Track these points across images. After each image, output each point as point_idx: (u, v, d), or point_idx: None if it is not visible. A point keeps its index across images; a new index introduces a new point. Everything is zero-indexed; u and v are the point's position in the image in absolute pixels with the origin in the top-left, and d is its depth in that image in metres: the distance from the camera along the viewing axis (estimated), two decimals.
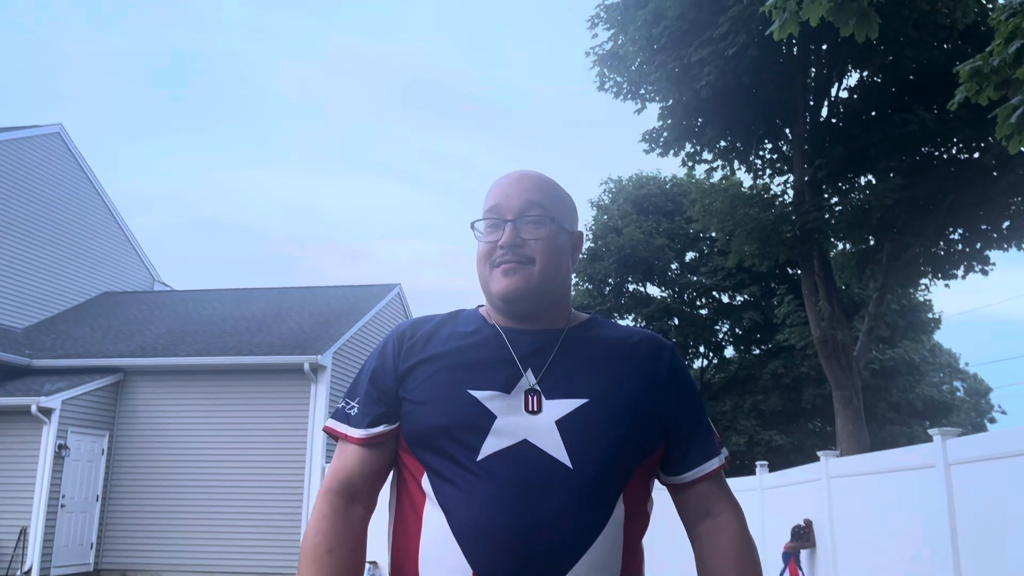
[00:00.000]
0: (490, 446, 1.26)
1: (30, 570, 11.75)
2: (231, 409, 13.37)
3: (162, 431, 13.42)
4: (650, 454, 1.36)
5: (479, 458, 1.26)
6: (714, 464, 1.41)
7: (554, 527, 1.22)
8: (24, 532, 11.93)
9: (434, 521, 1.27)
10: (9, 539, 11.94)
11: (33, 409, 12.05)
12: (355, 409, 1.40)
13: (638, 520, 1.34)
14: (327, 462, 12.88)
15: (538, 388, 1.32)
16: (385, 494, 1.40)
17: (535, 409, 1.29)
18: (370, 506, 1.39)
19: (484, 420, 1.28)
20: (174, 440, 13.34)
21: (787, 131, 14.36)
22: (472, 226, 1.43)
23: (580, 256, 1.41)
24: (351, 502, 1.36)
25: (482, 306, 1.47)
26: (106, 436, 13.39)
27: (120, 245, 18.42)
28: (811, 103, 13.98)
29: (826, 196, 13.73)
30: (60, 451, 12.32)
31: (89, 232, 17.38)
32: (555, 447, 1.27)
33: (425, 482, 1.30)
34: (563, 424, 1.28)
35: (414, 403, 1.34)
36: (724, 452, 1.44)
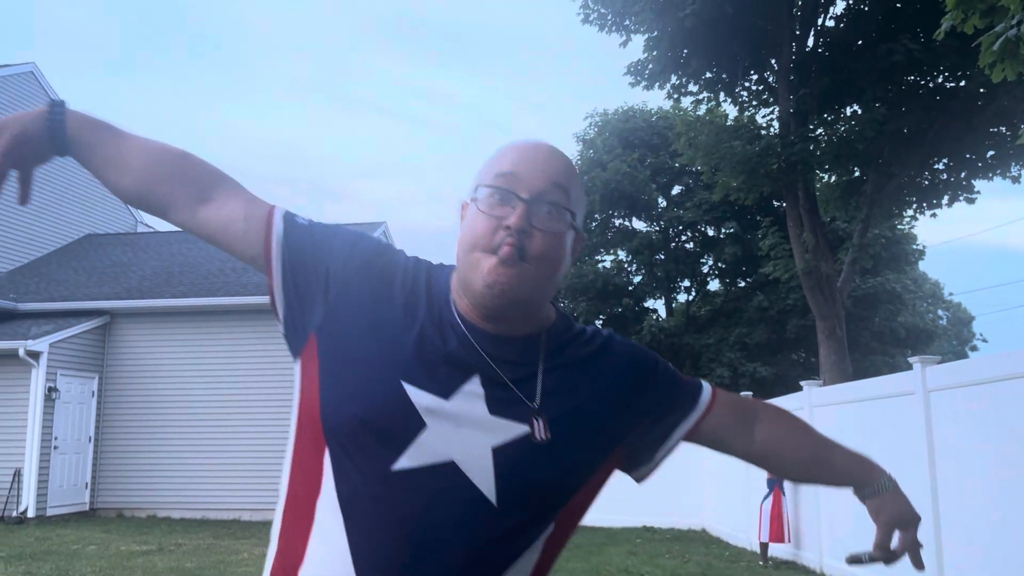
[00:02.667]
0: (409, 459, 1.05)
1: (26, 511, 11.91)
2: (219, 349, 13.42)
3: (152, 372, 13.48)
4: (602, 467, 1.17)
5: (394, 468, 1.05)
6: (707, 395, 1.26)
7: (461, 566, 1.05)
8: (18, 474, 12.06)
9: (329, 519, 1.07)
10: (3, 481, 12.07)
11: (21, 352, 12.05)
12: (302, 223, 1.20)
13: (565, 535, 1.16)
14: None
15: (540, 412, 1.10)
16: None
17: (544, 437, 1.09)
18: (193, 214, 1.19)
19: (412, 426, 1.06)
20: (164, 381, 13.41)
21: (773, 61, 14.22)
22: (476, 189, 1.13)
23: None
24: (202, 197, 1.19)
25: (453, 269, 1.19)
26: (96, 378, 13.44)
27: (101, 186, 18.16)
28: (797, 32, 13.81)
29: (811, 127, 13.68)
30: (50, 394, 12.37)
31: (69, 173, 17.11)
32: (484, 478, 1.06)
33: (327, 462, 1.08)
34: (499, 452, 1.07)
35: (330, 364, 1.11)
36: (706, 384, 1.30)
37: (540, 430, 1.08)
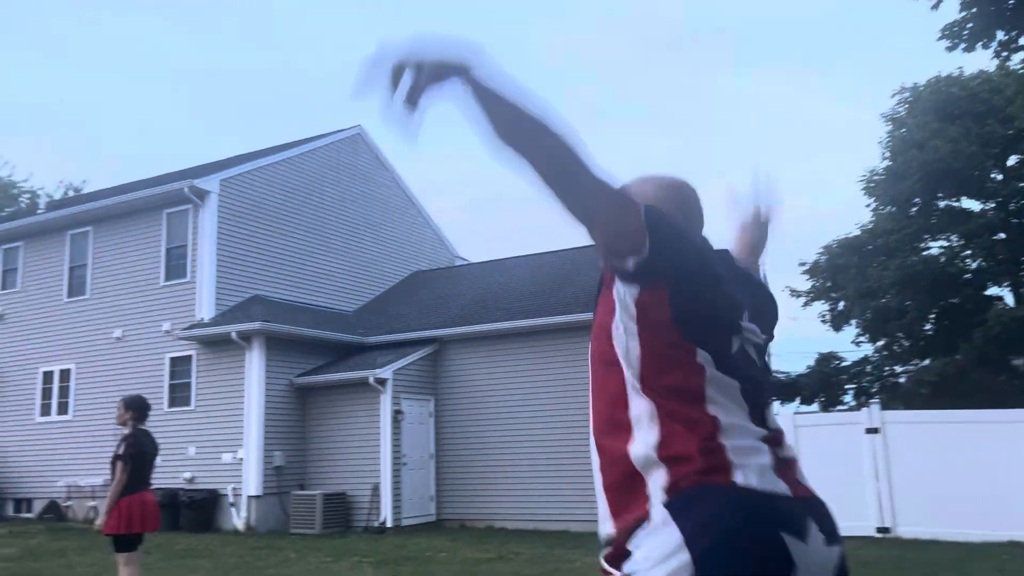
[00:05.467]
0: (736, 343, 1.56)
1: (384, 521, 13.35)
2: (536, 368, 14.09)
3: (479, 392, 14.52)
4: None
5: (733, 350, 1.53)
6: None
7: None
8: (376, 488, 13.58)
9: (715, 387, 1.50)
10: (364, 494, 13.67)
11: (370, 380, 13.62)
12: None
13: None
14: None
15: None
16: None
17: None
18: None
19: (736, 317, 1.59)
20: (490, 399, 14.37)
21: None
22: None
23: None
24: None
25: None
26: (431, 400, 14.77)
27: (422, 227, 20.16)
28: None
29: None
30: (396, 416, 13.81)
31: (397, 218, 19.23)
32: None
33: (702, 356, 1.49)
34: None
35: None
36: None
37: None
